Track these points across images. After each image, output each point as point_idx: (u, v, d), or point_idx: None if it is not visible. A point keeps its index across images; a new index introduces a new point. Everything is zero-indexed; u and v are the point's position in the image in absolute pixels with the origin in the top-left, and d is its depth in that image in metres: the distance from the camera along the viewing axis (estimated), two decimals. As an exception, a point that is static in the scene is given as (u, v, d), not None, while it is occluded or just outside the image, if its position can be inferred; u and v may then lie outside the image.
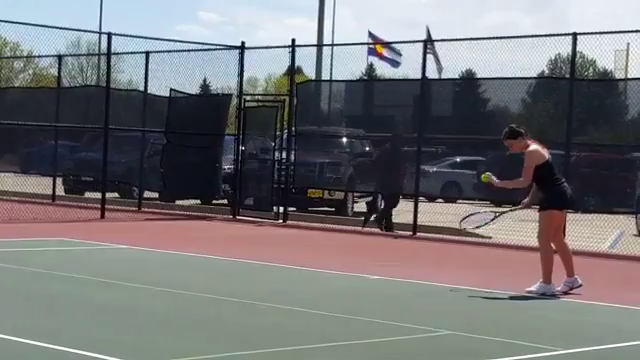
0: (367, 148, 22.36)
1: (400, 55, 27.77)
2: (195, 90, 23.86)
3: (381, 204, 19.63)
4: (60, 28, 21.43)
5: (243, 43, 21.20)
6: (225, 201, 22.43)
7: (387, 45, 29.35)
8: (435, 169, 24.85)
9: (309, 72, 31.44)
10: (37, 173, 25.09)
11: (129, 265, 12.40)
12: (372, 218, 18.98)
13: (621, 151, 18.73)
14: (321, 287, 11.18)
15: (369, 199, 23.17)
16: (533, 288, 10.79)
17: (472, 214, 11.66)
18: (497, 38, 18.22)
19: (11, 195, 21.62)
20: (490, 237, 17.47)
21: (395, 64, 28.50)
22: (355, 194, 22.23)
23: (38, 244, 14.49)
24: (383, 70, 34.78)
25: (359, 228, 19.04)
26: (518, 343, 7.98)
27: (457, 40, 19.59)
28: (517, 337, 8.20)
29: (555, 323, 9.24)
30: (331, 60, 34.75)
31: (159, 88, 22.48)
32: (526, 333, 8.47)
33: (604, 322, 9.52)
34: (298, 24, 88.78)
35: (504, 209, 11.79)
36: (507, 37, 18.35)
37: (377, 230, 18.59)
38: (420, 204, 18.43)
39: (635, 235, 19.38)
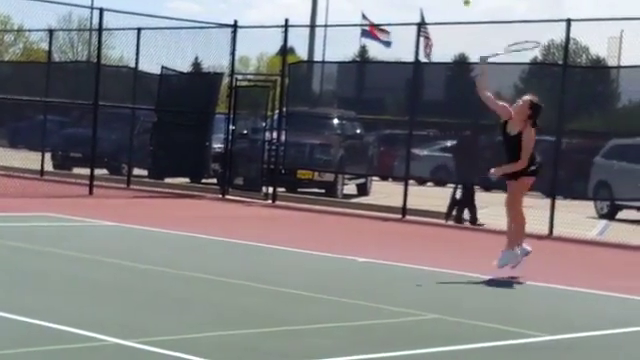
0: (358, 130, 22.29)
1: (388, 33, 27.75)
2: (186, 68, 23.77)
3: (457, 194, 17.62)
4: (51, 2, 21.24)
5: (236, 22, 21.09)
6: (214, 180, 22.37)
7: (379, 28, 29.29)
8: (426, 152, 24.79)
9: (302, 52, 31.36)
10: (25, 148, 24.98)
11: (116, 242, 12.35)
12: (465, 214, 17.32)
13: (612, 138, 18.74)
14: (308, 268, 11.15)
15: (360, 181, 23.13)
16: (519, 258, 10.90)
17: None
18: (491, 23, 18.22)
19: (-1, 169, 21.52)
20: (483, 224, 17.39)
21: (387, 44, 28.43)
22: (345, 176, 22.17)
23: (24, 219, 14.42)
24: (376, 52, 34.69)
25: (348, 210, 18.99)
26: (504, 328, 7.96)
27: (451, 24, 19.54)
28: (503, 322, 8.19)
29: (540, 309, 9.23)
30: (324, 41, 34.68)
31: (150, 65, 22.39)
32: (512, 318, 8.47)
33: (589, 309, 9.52)
34: (292, 4, 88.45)
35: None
36: (501, 22, 18.37)
37: (366, 212, 18.54)
38: (410, 187, 18.38)
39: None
